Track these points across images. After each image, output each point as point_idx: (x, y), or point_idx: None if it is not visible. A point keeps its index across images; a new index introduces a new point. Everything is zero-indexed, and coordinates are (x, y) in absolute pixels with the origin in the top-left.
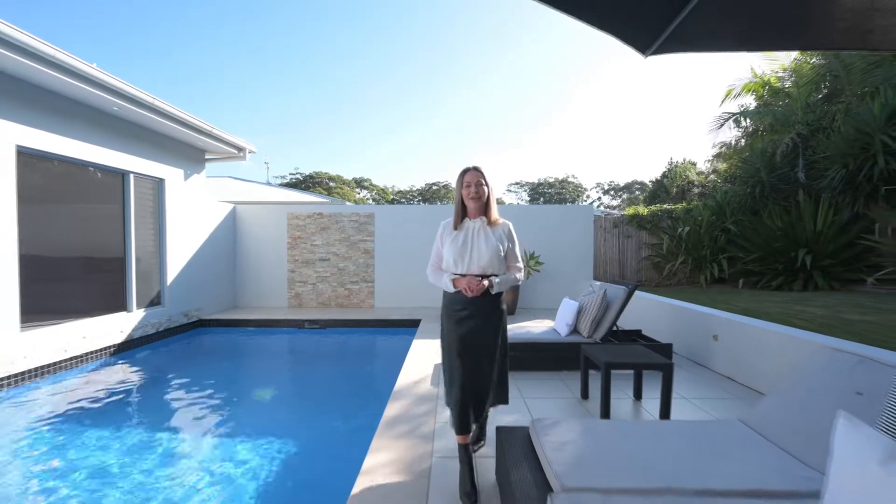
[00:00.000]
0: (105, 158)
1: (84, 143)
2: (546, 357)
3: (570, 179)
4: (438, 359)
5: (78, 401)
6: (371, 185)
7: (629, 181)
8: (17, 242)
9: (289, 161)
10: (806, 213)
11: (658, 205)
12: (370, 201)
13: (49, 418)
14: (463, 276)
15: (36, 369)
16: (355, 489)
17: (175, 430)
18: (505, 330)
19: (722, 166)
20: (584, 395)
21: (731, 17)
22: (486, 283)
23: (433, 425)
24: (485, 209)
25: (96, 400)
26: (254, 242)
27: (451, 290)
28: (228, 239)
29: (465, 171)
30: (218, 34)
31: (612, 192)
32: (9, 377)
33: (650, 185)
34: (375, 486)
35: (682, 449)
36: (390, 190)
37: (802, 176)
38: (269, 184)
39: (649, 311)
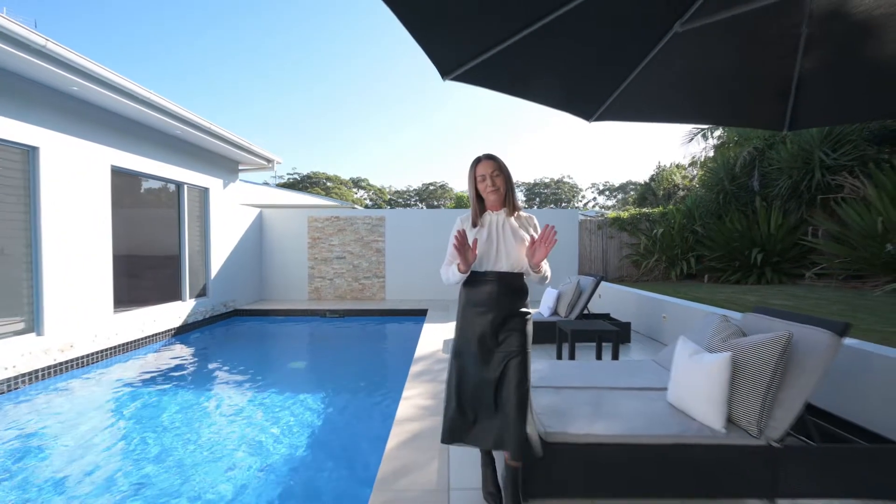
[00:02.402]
0: (168, 172)
1: (155, 160)
2: (535, 331)
3: (566, 180)
4: (448, 335)
5: (159, 367)
6: (368, 185)
7: (624, 181)
8: (111, 244)
9: (286, 161)
10: (760, 217)
11: (637, 208)
12: (367, 201)
13: (142, 378)
14: (489, 274)
15: (124, 344)
16: (400, 407)
17: (247, 390)
18: (528, 347)
19: (699, 173)
20: (558, 357)
21: (653, 97)
22: (543, 266)
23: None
24: (505, 200)
25: (171, 368)
26: (278, 242)
27: (460, 275)
28: (256, 239)
29: (476, 162)
30: (215, 34)
31: (606, 193)
32: (108, 349)
33: (641, 186)
34: (413, 405)
35: (609, 372)
36: (387, 190)
37: (756, 185)
38: (266, 184)
39: (618, 299)
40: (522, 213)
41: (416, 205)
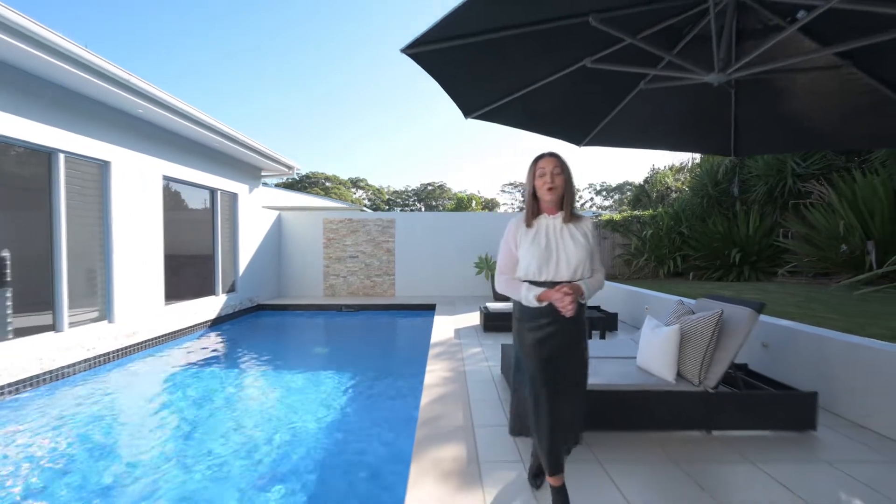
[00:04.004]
0: (205, 180)
1: (195, 170)
2: None
3: None
4: (458, 324)
5: (205, 351)
6: (367, 185)
7: (621, 182)
8: (163, 244)
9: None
10: (740, 220)
11: (630, 210)
12: (366, 201)
13: (194, 360)
14: (547, 283)
15: (173, 332)
16: (427, 377)
17: (286, 369)
18: (587, 347)
19: (686, 178)
20: None
21: (628, 130)
22: (583, 287)
23: (462, 355)
24: (562, 203)
25: (214, 352)
26: (296, 243)
27: (535, 304)
28: (275, 240)
29: (539, 158)
30: (214, 34)
31: (604, 193)
32: (162, 336)
33: (636, 188)
34: (437, 376)
35: (595, 348)
36: (385, 190)
37: (736, 190)
38: (265, 184)
39: (608, 294)
40: (580, 216)
41: (414, 205)
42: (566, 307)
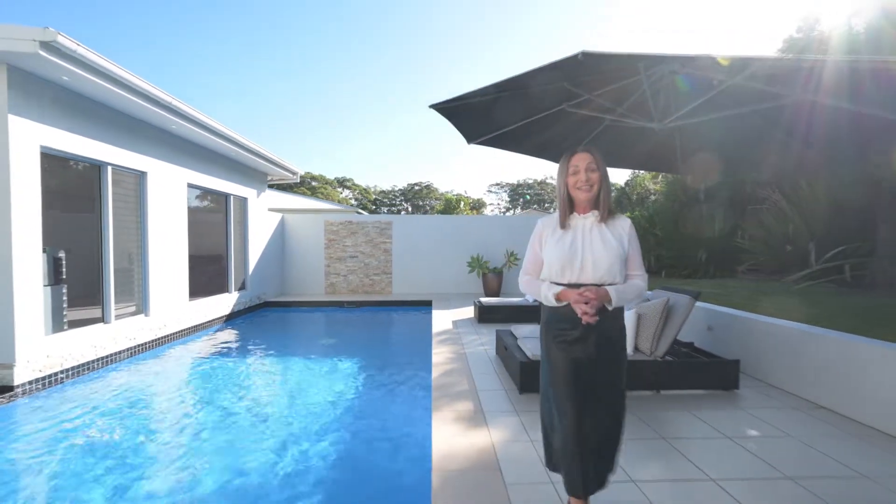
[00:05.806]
0: (221, 186)
1: (212, 177)
2: (521, 313)
3: (549, 181)
4: (454, 317)
5: (225, 342)
6: (353, 184)
7: None
8: (188, 245)
9: None
10: (707, 223)
11: None
12: (353, 201)
13: (215, 349)
14: (570, 286)
15: (196, 326)
16: (434, 357)
17: (303, 356)
18: (625, 365)
19: (659, 184)
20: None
21: (602, 152)
22: (611, 292)
23: (462, 342)
24: (597, 202)
25: (234, 343)
26: (298, 243)
27: (554, 303)
28: (279, 240)
29: (571, 153)
30: (197, 27)
31: None
32: (186, 329)
33: (617, 190)
34: (443, 357)
35: None
36: (372, 190)
37: (703, 196)
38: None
39: None
40: (617, 215)
41: (401, 205)
42: (585, 314)
